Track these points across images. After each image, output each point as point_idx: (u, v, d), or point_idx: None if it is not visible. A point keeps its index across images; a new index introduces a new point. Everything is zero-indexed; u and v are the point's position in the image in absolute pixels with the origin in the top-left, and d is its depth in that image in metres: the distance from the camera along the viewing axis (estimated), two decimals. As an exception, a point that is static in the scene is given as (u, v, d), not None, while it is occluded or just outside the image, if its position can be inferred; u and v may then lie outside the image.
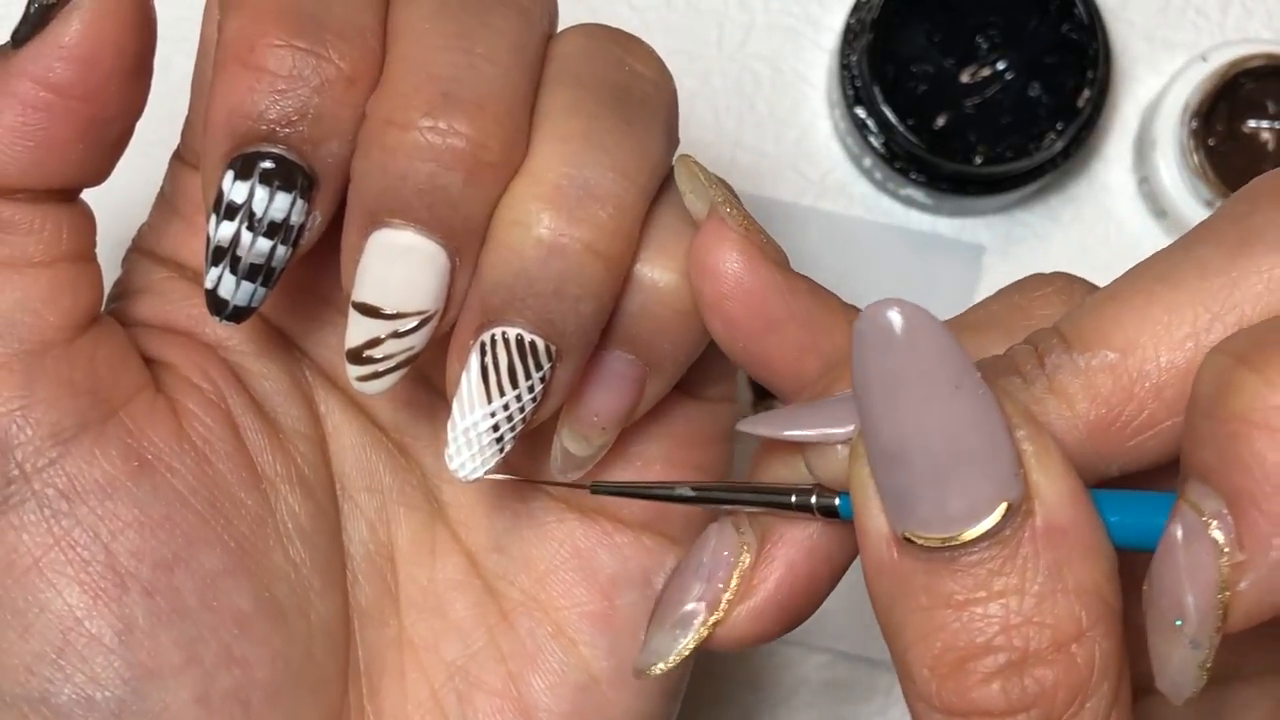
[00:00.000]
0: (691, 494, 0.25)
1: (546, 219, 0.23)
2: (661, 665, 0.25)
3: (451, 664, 0.28)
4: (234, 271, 0.24)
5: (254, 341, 0.27)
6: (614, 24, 0.44)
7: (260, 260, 0.24)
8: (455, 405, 0.25)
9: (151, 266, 0.27)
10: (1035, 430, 0.20)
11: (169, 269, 0.27)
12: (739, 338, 0.25)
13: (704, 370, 0.27)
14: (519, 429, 0.25)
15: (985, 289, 0.42)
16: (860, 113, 0.39)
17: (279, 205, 0.23)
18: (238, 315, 0.24)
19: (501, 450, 0.25)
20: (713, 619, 0.24)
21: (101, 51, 0.23)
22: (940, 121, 0.38)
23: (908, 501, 0.20)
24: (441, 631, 0.28)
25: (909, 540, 0.20)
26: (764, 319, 0.25)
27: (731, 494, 0.25)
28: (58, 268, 0.24)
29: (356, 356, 0.24)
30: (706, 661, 0.41)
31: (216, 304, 0.24)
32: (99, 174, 0.25)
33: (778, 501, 0.24)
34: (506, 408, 0.24)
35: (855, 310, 0.25)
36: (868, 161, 0.40)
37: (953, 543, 0.20)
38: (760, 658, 0.41)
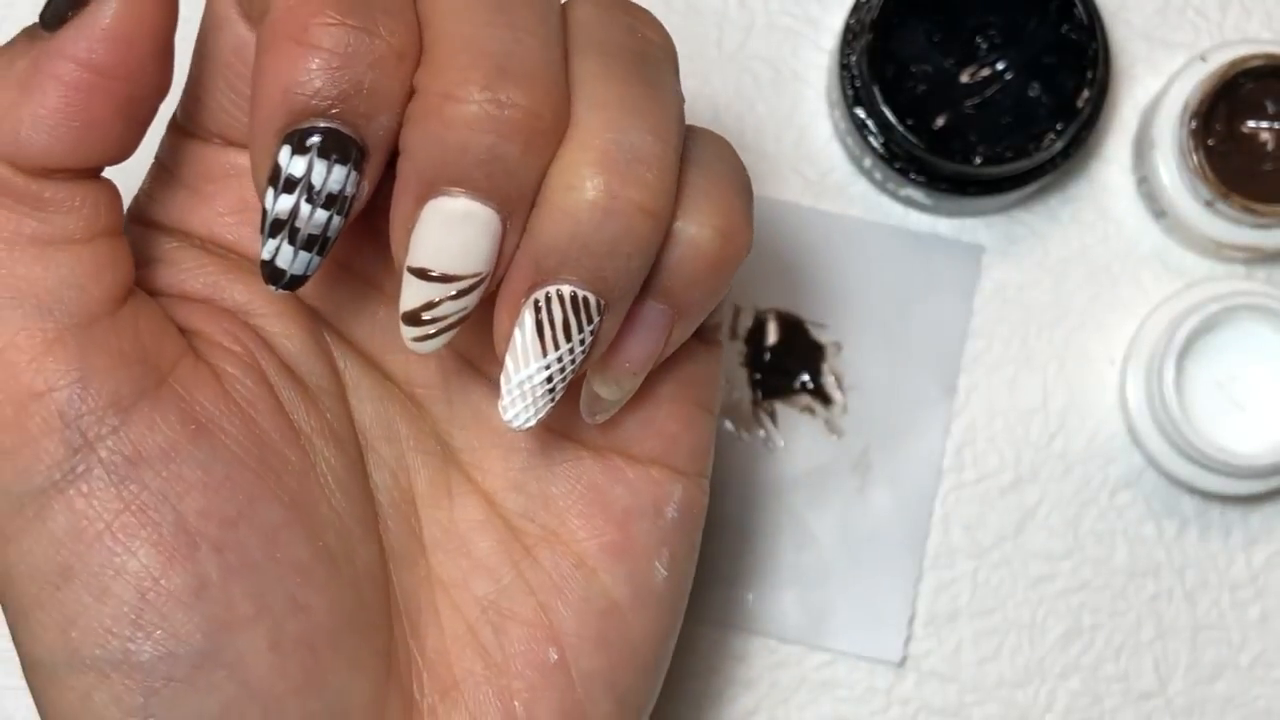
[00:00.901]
0: None
1: (600, 182, 0.25)
2: None
3: (483, 599, 0.29)
4: (292, 242, 0.25)
5: (271, 304, 0.28)
6: (614, 24, 0.44)
7: (318, 231, 0.25)
8: (509, 359, 0.26)
9: (157, 236, 0.28)
10: None
11: (176, 238, 0.28)
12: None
13: (709, 315, 0.29)
14: (569, 379, 0.26)
15: (984, 289, 0.42)
16: (860, 113, 0.39)
17: (336, 177, 0.24)
18: (294, 283, 0.25)
19: (554, 400, 0.26)
20: None
21: (139, 31, 0.24)
22: (940, 122, 0.38)
23: None
24: (469, 570, 0.29)
25: None
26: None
27: None
28: (97, 243, 0.25)
29: (413, 319, 0.25)
30: (706, 661, 0.41)
31: (274, 274, 0.25)
32: (129, 151, 0.26)
33: None
34: (560, 360, 0.26)
35: None
36: (867, 162, 0.40)
37: None
38: (760, 657, 0.41)
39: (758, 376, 0.41)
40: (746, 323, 0.41)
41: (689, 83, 0.42)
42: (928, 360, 0.41)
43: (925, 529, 0.41)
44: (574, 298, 0.25)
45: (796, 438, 0.41)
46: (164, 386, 0.26)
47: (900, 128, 0.38)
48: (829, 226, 0.42)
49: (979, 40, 0.38)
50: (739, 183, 0.27)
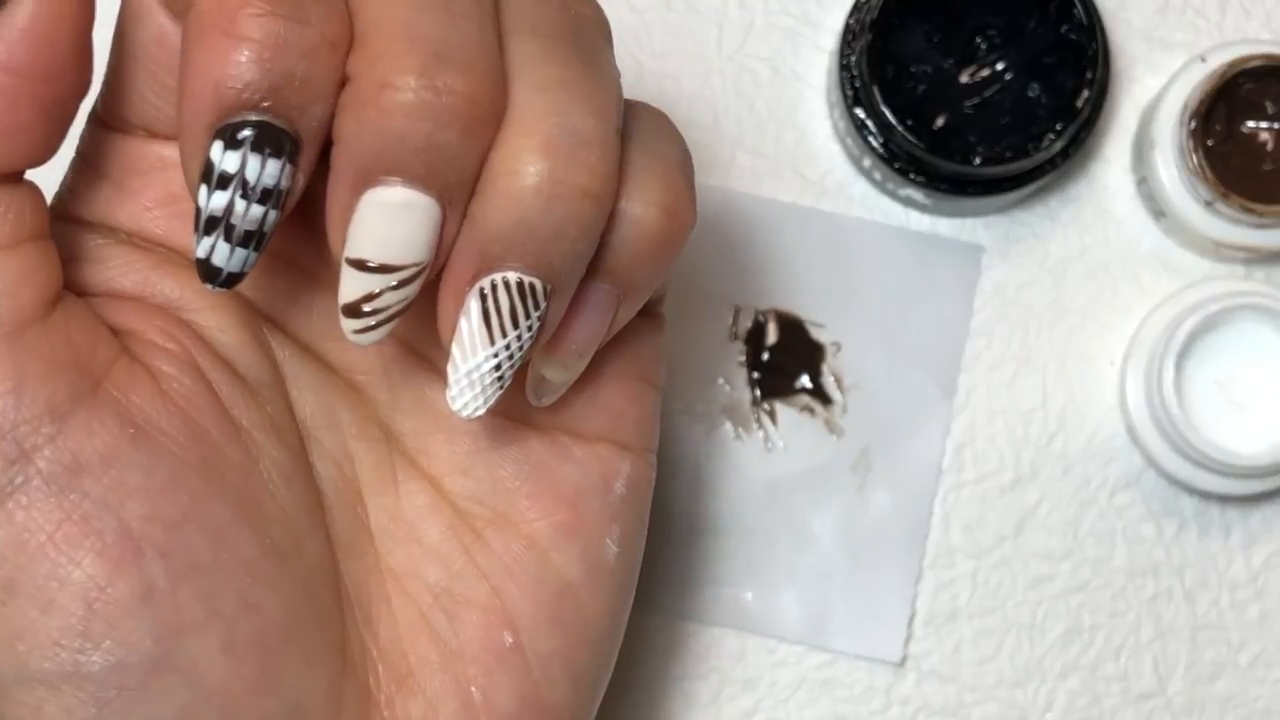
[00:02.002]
0: None
1: (544, 167, 0.24)
2: None
3: (435, 586, 0.29)
4: (228, 240, 0.24)
5: (206, 298, 0.27)
6: (614, 24, 0.45)
7: (254, 226, 0.24)
8: (455, 349, 0.26)
9: (82, 234, 0.27)
10: None
11: (102, 234, 0.27)
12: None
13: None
14: (518, 365, 0.26)
15: (984, 289, 0.42)
16: (859, 113, 0.39)
17: (270, 171, 0.24)
18: (230, 281, 0.25)
19: (503, 387, 0.26)
20: None
21: (57, 30, 0.23)
22: (939, 122, 0.38)
23: None
24: (419, 557, 0.29)
25: None
26: None
27: None
28: (24, 248, 0.25)
29: (353, 311, 0.25)
30: (705, 661, 0.41)
31: (210, 272, 0.25)
32: (52, 151, 0.25)
33: None
34: (508, 347, 0.26)
35: None
36: (867, 162, 0.40)
37: None
38: (760, 657, 0.41)
39: (757, 376, 0.41)
40: (746, 323, 0.41)
41: (689, 83, 0.42)
42: (927, 360, 0.41)
43: (925, 529, 0.41)
44: (520, 284, 0.25)
45: (796, 438, 0.41)
46: (100, 391, 0.25)
47: (900, 128, 0.38)
48: (829, 226, 0.42)
49: (979, 40, 0.38)
50: (680, 159, 0.27)
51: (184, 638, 0.25)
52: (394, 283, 0.25)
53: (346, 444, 0.29)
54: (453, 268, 0.25)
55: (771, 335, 0.41)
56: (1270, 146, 0.39)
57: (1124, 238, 0.42)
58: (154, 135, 0.26)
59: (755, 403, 0.41)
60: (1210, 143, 0.39)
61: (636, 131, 0.27)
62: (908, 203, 0.41)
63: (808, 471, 0.41)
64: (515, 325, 0.25)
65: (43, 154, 0.25)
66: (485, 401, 0.26)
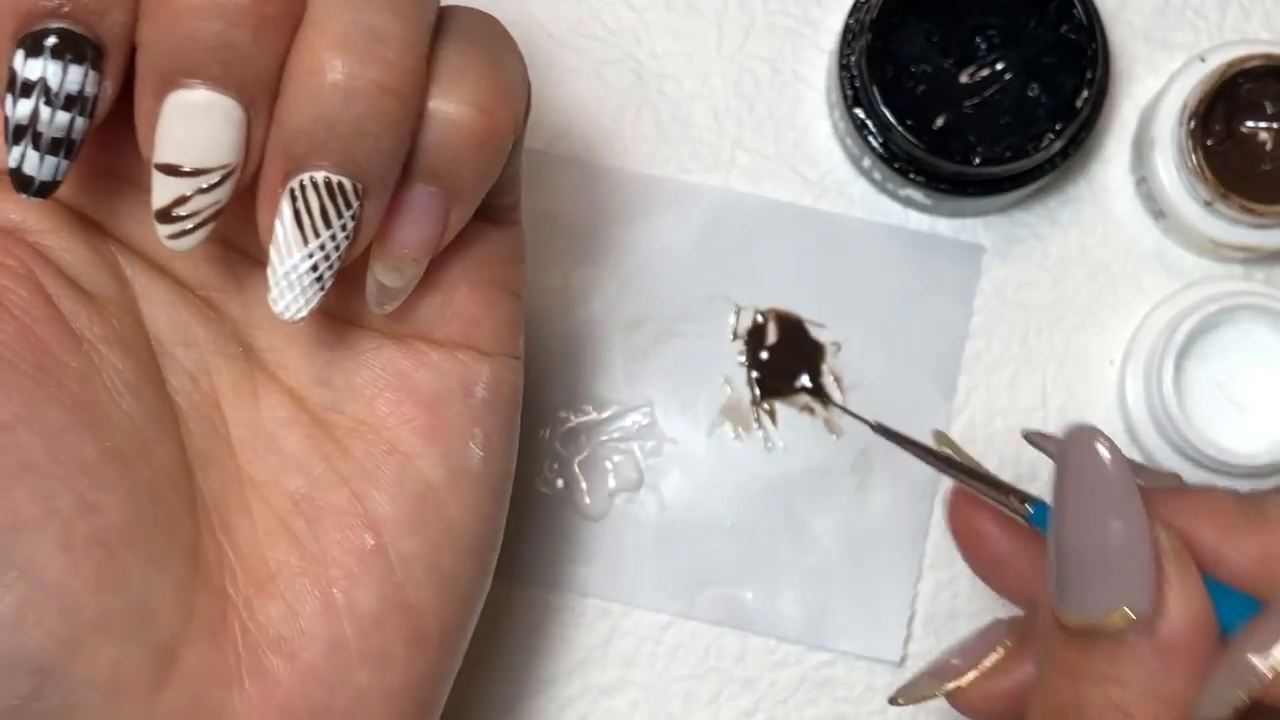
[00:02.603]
0: (945, 460, 0.32)
1: (339, 64, 0.25)
2: (923, 695, 0.32)
3: (295, 493, 0.29)
4: (36, 147, 0.25)
5: (48, 220, 0.28)
6: (613, 24, 0.45)
7: (61, 134, 0.25)
8: (273, 251, 0.26)
9: None
10: (1180, 558, 0.26)
11: None
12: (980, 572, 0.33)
13: (497, 196, 0.29)
14: (336, 267, 0.26)
15: (984, 289, 0.42)
16: (859, 113, 0.39)
17: (73, 78, 0.25)
18: (44, 190, 0.25)
19: (322, 289, 0.27)
20: (954, 684, 0.31)
21: None
22: (939, 122, 0.38)
23: (1062, 587, 0.27)
24: (278, 466, 0.30)
25: (1061, 620, 0.27)
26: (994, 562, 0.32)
27: (970, 479, 0.31)
28: None
29: (165, 216, 0.26)
30: (705, 660, 0.41)
31: (23, 181, 0.25)
32: None
33: (999, 499, 0.31)
34: (323, 247, 0.26)
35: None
36: (867, 162, 0.40)
37: (1089, 628, 0.26)
38: (760, 657, 0.41)
39: (757, 376, 0.41)
40: (746, 322, 0.41)
41: (689, 84, 0.42)
42: (927, 360, 0.41)
43: (924, 529, 0.41)
44: (329, 183, 0.25)
45: (796, 437, 0.41)
46: None
47: (899, 128, 0.38)
48: (829, 226, 0.42)
49: (978, 40, 0.38)
50: (499, 58, 0.27)
51: (19, 534, 0.25)
52: (203, 185, 0.25)
53: (204, 358, 0.30)
54: (264, 171, 0.26)
55: (771, 335, 0.41)
56: (1269, 146, 0.39)
57: (1123, 238, 0.42)
58: None
59: (755, 402, 0.41)
60: (1210, 142, 0.39)
61: (454, 32, 0.27)
62: (907, 203, 0.41)
63: (807, 471, 0.41)
64: (328, 224, 0.26)
65: None
66: (306, 303, 0.26)
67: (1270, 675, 0.25)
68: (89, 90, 0.25)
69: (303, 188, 0.26)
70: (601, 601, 0.41)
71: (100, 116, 0.25)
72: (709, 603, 0.41)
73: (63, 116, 0.25)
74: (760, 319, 0.41)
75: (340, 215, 0.26)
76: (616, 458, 0.41)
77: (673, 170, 0.42)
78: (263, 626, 0.28)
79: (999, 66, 0.38)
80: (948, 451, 0.32)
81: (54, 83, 0.24)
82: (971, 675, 0.31)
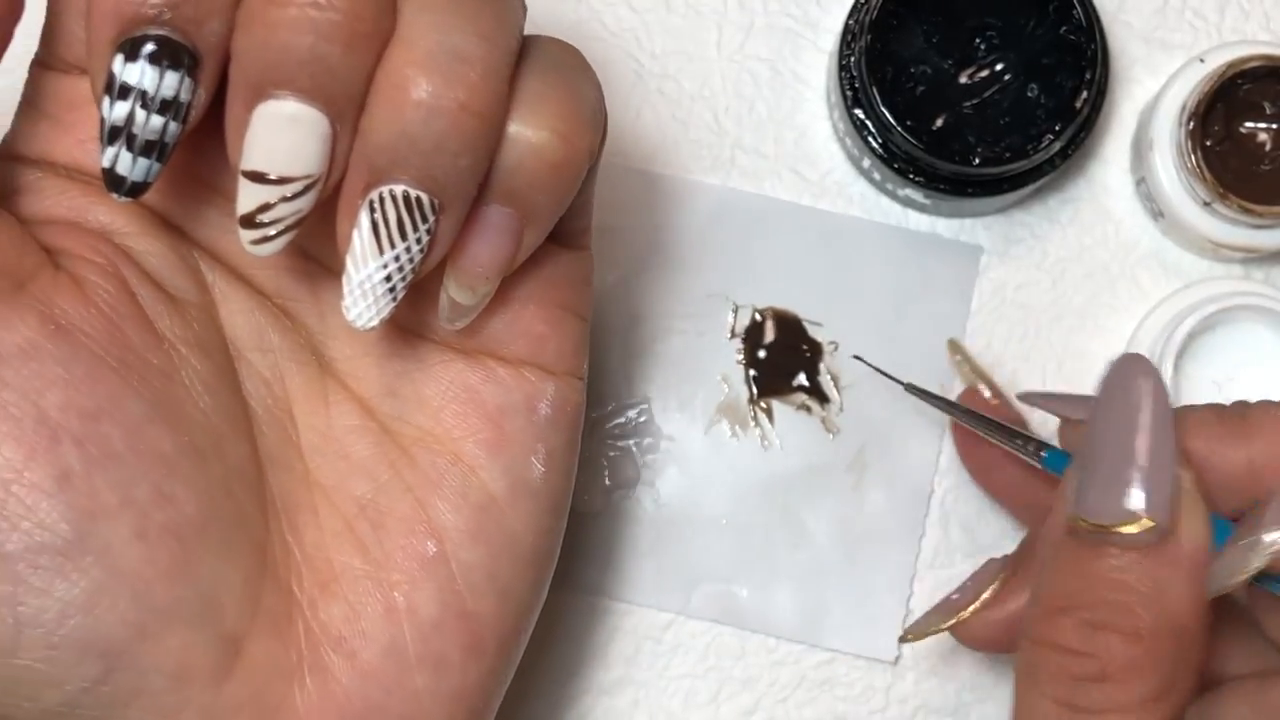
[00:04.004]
0: (964, 414, 0.36)
1: (424, 82, 0.25)
2: (930, 630, 0.35)
3: (361, 498, 0.30)
4: (130, 149, 0.26)
5: (136, 223, 0.29)
6: (614, 25, 0.45)
7: (154, 136, 0.26)
8: (349, 260, 0.27)
9: (21, 170, 0.29)
10: (1195, 493, 0.29)
11: (41, 169, 0.29)
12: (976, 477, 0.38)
13: (569, 221, 0.30)
14: (409, 279, 0.27)
15: (983, 289, 0.42)
16: (859, 114, 0.39)
17: (169, 83, 0.26)
18: (135, 190, 0.26)
19: (395, 299, 0.27)
20: (957, 617, 0.34)
21: None
22: (939, 122, 0.38)
23: (1085, 492, 0.29)
24: (346, 472, 0.30)
25: (1077, 523, 0.29)
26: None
27: (985, 429, 0.35)
28: None
29: (249, 222, 0.27)
30: (704, 659, 0.41)
31: (115, 181, 0.26)
32: None
33: (1018, 447, 0.34)
34: (397, 259, 0.27)
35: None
36: (866, 162, 0.40)
37: (1104, 532, 0.28)
38: (759, 656, 0.41)
39: (754, 374, 0.41)
40: (744, 321, 0.41)
41: (688, 84, 0.42)
42: (926, 360, 0.41)
43: (921, 528, 0.41)
44: (406, 197, 0.26)
45: (793, 436, 0.41)
46: (22, 292, 0.27)
47: (899, 128, 0.38)
48: (828, 226, 0.42)
49: (978, 41, 0.38)
50: (579, 87, 0.28)
51: (98, 521, 0.26)
52: (287, 194, 0.26)
53: (278, 365, 0.31)
54: (346, 182, 0.27)
55: (769, 333, 0.41)
56: (1268, 147, 0.39)
57: (1123, 238, 0.42)
58: (87, 72, 0.28)
59: (752, 400, 0.41)
60: (1209, 143, 0.39)
61: (537, 60, 0.28)
62: (907, 203, 0.42)
63: (804, 469, 0.41)
64: (404, 236, 0.27)
65: None
66: (378, 312, 0.27)
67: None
68: (183, 96, 0.26)
69: (381, 200, 0.26)
70: (601, 600, 0.41)
71: (193, 122, 0.26)
72: (704, 599, 0.41)
73: (157, 120, 0.26)
74: (758, 317, 0.41)
75: (416, 228, 0.27)
76: (613, 454, 0.41)
77: (673, 170, 0.42)
78: (325, 625, 0.29)
79: (998, 67, 0.38)
80: (977, 400, 0.38)
81: (150, 87, 0.25)
82: (973, 607, 0.33)
